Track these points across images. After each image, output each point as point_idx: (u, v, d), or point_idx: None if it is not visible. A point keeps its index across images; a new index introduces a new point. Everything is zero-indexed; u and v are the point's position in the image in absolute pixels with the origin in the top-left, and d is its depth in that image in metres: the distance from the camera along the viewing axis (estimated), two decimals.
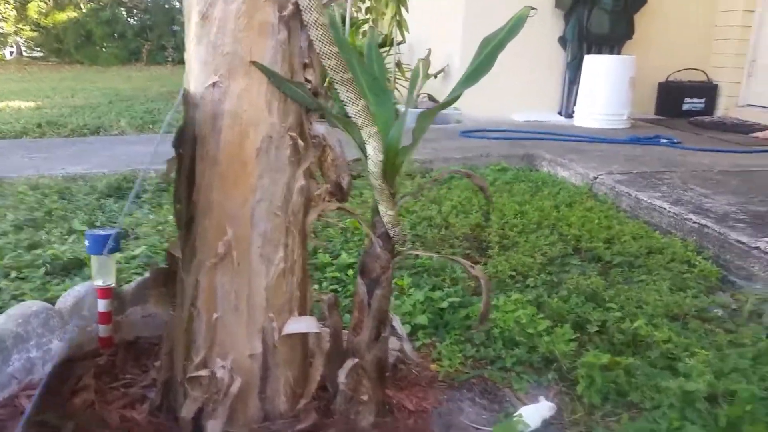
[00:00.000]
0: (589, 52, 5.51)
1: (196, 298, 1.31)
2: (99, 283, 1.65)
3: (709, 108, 5.94)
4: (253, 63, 1.21)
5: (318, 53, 1.24)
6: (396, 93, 6.28)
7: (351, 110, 1.26)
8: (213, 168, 1.26)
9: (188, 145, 1.26)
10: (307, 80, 1.27)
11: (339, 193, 1.36)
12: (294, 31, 1.25)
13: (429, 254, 1.49)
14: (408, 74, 6.06)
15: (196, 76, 1.26)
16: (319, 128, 1.31)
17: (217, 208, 1.27)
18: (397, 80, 6.08)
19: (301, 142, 1.29)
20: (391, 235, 1.36)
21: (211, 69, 1.24)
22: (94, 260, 1.62)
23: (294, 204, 1.31)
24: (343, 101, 1.26)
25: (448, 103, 1.24)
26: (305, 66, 1.27)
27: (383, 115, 1.34)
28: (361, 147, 1.30)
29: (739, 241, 2.41)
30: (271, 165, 1.27)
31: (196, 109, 1.26)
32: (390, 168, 1.32)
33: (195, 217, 1.30)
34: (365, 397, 1.40)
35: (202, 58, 1.24)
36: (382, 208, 1.34)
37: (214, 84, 1.24)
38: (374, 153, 1.29)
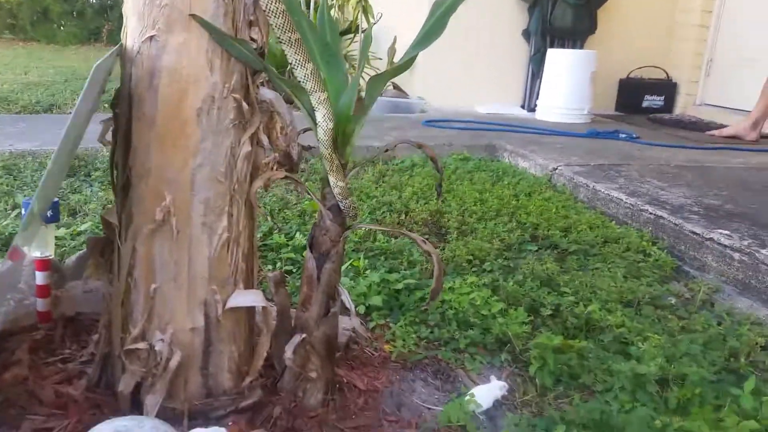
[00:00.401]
0: (552, 46, 5.54)
1: (134, 268, 1.25)
2: (36, 254, 1.57)
3: (669, 106, 6.03)
4: (192, 16, 1.15)
5: (264, 10, 1.18)
6: (361, 81, 6.23)
7: (299, 73, 1.21)
8: (150, 129, 1.19)
9: (124, 104, 1.20)
10: (252, 39, 1.21)
11: (288, 162, 1.31)
12: None
13: (380, 228, 1.45)
14: (373, 63, 6.01)
15: (132, 30, 1.19)
16: (267, 93, 1.25)
17: (154, 172, 1.20)
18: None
19: (245, 105, 1.22)
20: (342, 207, 1.32)
21: (147, 22, 1.17)
22: None
23: (239, 171, 1.25)
24: (290, 63, 1.20)
25: (402, 66, 1.20)
26: (251, 24, 1.21)
27: (335, 83, 1.29)
28: (310, 113, 1.24)
29: (693, 232, 2.43)
30: (213, 127, 1.20)
31: (132, 65, 1.19)
32: (341, 137, 1.27)
33: (131, 181, 1.23)
34: (313, 375, 1.36)
35: (139, 10, 1.17)
36: (332, 179, 1.29)
37: (150, 38, 1.17)
38: (324, 120, 1.24)
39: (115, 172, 1.28)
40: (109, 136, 1.30)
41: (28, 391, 1.35)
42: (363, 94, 1.32)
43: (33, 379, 1.38)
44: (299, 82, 1.22)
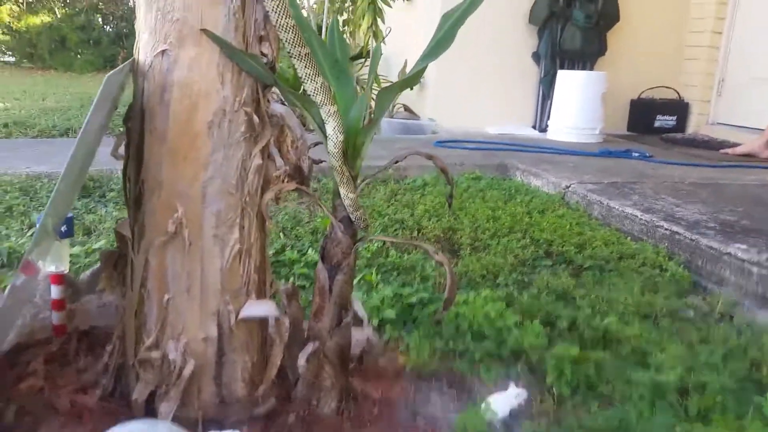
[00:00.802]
0: (562, 68, 5.57)
1: (147, 279, 1.25)
2: (51, 269, 1.58)
3: (681, 125, 6.02)
4: (204, 31, 1.16)
5: (274, 25, 1.20)
6: (372, 103, 6.29)
7: (309, 87, 1.22)
8: (162, 143, 1.21)
9: (136, 118, 1.21)
10: (263, 54, 1.23)
11: (299, 176, 1.32)
12: (249, 1, 1.21)
13: (391, 240, 1.45)
14: (384, 85, 6.06)
15: (144, 45, 1.21)
16: (278, 107, 1.27)
17: (166, 185, 1.21)
18: (373, 90, 6.07)
19: (256, 119, 1.23)
20: (353, 219, 1.32)
21: (159, 36, 1.19)
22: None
23: (250, 183, 1.25)
24: (300, 77, 1.22)
25: (411, 79, 1.21)
26: (261, 39, 1.22)
27: (345, 97, 1.30)
28: (320, 127, 1.25)
29: (710, 247, 2.41)
30: (224, 141, 1.21)
31: (144, 79, 1.21)
32: (351, 149, 1.28)
33: (144, 194, 1.24)
34: (327, 384, 1.35)
35: (151, 25, 1.19)
36: (342, 191, 1.30)
37: (162, 52, 1.18)
38: (334, 133, 1.24)
39: (127, 185, 1.29)
40: (122, 151, 1.32)
41: (43, 401, 1.35)
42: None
43: (48, 389, 1.39)
44: (309, 95, 1.24)
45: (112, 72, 1.18)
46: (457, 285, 2.11)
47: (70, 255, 2.21)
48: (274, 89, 1.32)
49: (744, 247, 2.31)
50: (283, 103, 1.36)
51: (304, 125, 1.34)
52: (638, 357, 1.69)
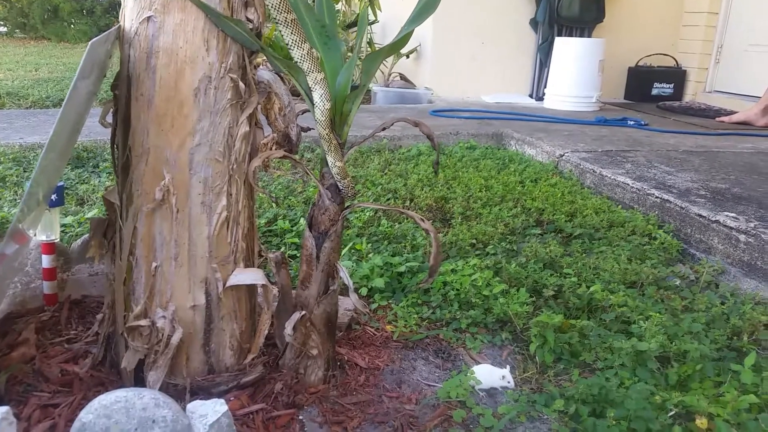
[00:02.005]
0: (560, 35, 5.51)
1: (135, 247, 1.27)
2: (42, 238, 1.60)
3: (678, 93, 5.99)
4: None
5: None
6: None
7: (296, 54, 1.21)
8: (148, 109, 1.21)
9: (123, 85, 1.21)
10: (248, 19, 1.22)
11: (287, 144, 1.32)
12: None
13: (378, 207, 1.46)
14: None
15: (129, 11, 1.21)
16: (265, 74, 1.26)
17: (153, 152, 1.22)
18: None
19: (242, 85, 1.23)
20: (340, 187, 1.33)
21: (145, 3, 1.18)
22: None
23: (237, 151, 1.26)
24: (287, 44, 1.21)
25: (398, 44, 1.20)
26: (246, 4, 1.22)
27: (332, 63, 1.30)
28: (307, 94, 1.25)
29: (699, 215, 2.42)
30: (210, 107, 1.22)
31: (130, 46, 1.21)
32: (338, 116, 1.28)
33: (131, 161, 1.24)
34: (314, 352, 1.37)
35: None
36: (330, 159, 1.30)
37: (148, 18, 1.18)
38: (321, 101, 1.24)
39: (115, 152, 1.30)
40: (110, 118, 1.32)
41: (34, 370, 1.38)
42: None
43: (39, 358, 1.41)
44: (295, 62, 1.23)
45: (96, 38, 1.17)
46: (442, 253, 2.13)
47: (63, 225, 2.22)
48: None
49: (733, 215, 2.33)
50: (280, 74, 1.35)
51: (296, 95, 1.33)
52: (622, 325, 1.71)
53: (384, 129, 1.34)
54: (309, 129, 1.40)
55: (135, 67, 1.21)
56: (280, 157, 1.28)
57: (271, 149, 1.31)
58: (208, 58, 1.20)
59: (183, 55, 1.19)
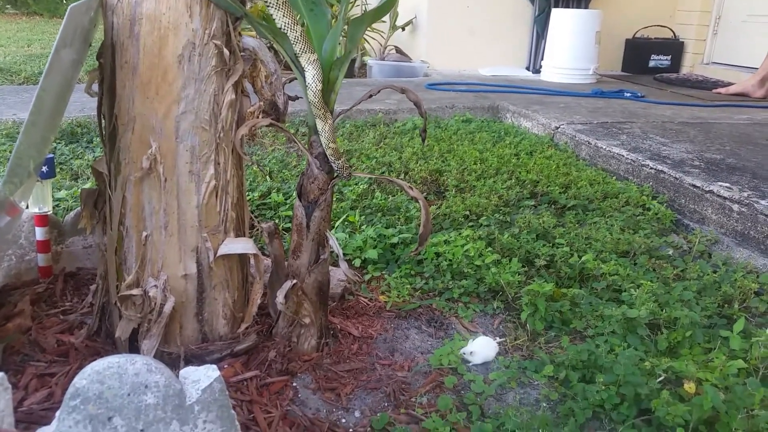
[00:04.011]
0: (556, 6, 5.46)
1: (125, 216, 1.27)
2: (35, 210, 1.60)
3: (676, 65, 5.95)
4: None
5: None
6: (366, 46, 6.19)
7: (290, 36, 1.20)
8: (133, 77, 1.20)
9: (107, 54, 1.20)
10: None
11: (275, 112, 1.31)
12: None
13: (366, 175, 1.46)
14: (375, 26, 5.95)
15: None
16: (250, 41, 1.25)
17: (139, 120, 1.22)
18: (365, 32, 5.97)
19: (227, 52, 1.22)
20: (335, 168, 1.32)
21: None
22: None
23: (224, 119, 1.25)
24: (281, 28, 1.20)
25: (383, 8, 1.20)
26: None
27: (318, 30, 1.29)
28: (293, 60, 1.24)
29: (693, 186, 2.43)
30: (195, 74, 1.21)
31: (113, 13, 1.20)
32: (325, 84, 1.27)
33: (118, 130, 1.24)
34: (307, 320, 1.38)
35: None
36: (323, 140, 1.29)
37: None
38: (313, 81, 1.24)
39: (102, 122, 1.29)
40: (96, 88, 1.31)
41: (30, 340, 1.39)
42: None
43: (35, 329, 1.42)
44: (292, 44, 1.22)
45: (75, 4, 1.16)
46: (435, 224, 2.14)
47: (57, 199, 2.22)
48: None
49: (726, 185, 2.33)
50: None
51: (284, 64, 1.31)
52: (613, 293, 1.73)
53: (371, 96, 1.34)
54: (297, 98, 1.39)
55: (118, 34, 1.20)
56: (266, 125, 1.27)
57: (258, 118, 1.31)
58: (191, 24, 1.19)
59: (166, 21, 1.18)
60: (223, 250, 1.30)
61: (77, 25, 1.14)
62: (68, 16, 1.09)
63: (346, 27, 4.21)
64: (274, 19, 1.21)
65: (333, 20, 1.32)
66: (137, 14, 1.18)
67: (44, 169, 1.54)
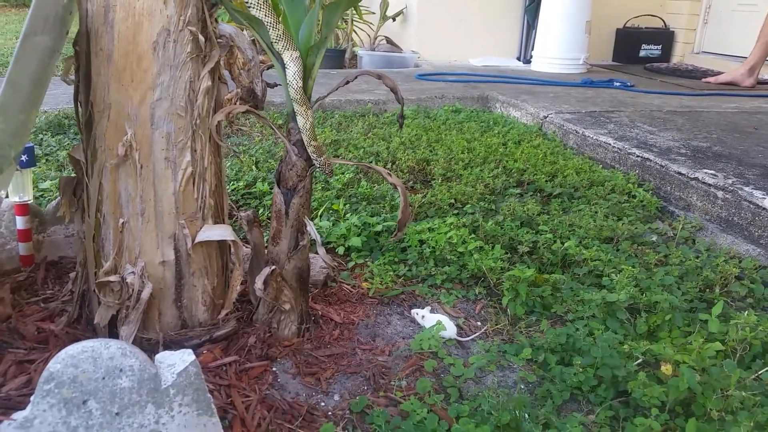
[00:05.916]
0: None
1: (102, 203, 1.27)
2: (15, 199, 1.60)
3: (666, 54, 5.96)
4: None
5: None
6: (354, 36, 6.17)
7: (272, 34, 1.20)
8: (108, 64, 1.20)
9: (83, 41, 1.20)
10: None
11: (252, 99, 1.31)
12: None
13: (344, 162, 1.46)
14: (365, 17, 5.93)
15: None
16: (226, 27, 1.25)
17: (114, 107, 1.21)
18: (354, 23, 5.96)
19: (202, 39, 1.22)
20: (317, 165, 1.32)
21: None
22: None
23: (200, 106, 1.25)
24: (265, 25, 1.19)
25: None
26: None
27: (295, 16, 1.28)
28: (270, 47, 1.24)
29: (679, 173, 2.44)
30: (170, 61, 1.20)
31: (88, 0, 1.19)
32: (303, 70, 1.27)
33: (94, 117, 1.24)
34: (287, 306, 1.39)
35: None
36: (305, 138, 1.28)
37: None
38: (294, 79, 1.23)
39: (79, 109, 1.29)
40: (73, 76, 1.31)
41: (10, 328, 1.39)
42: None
43: (15, 317, 1.42)
44: (273, 42, 1.22)
45: None
46: (416, 209, 2.14)
47: (42, 190, 2.22)
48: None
49: (712, 172, 2.34)
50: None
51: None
52: (595, 279, 1.73)
53: (347, 83, 1.34)
54: (275, 85, 1.39)
55: (93, 21, 1.19)
56: (243, 112, 1.27)
57: (235, 104, 1.30)
58: (166, 10, 1.18)
59: (140, 8, 1.17)
60: (200, 236, 1.30)
61: (49, 12, 1.13)
62: (36, 2, 1.08)
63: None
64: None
65: (311, 5, 1.31)
66: (111, 1, 1.17)
67: (24, 158, 1.54)
